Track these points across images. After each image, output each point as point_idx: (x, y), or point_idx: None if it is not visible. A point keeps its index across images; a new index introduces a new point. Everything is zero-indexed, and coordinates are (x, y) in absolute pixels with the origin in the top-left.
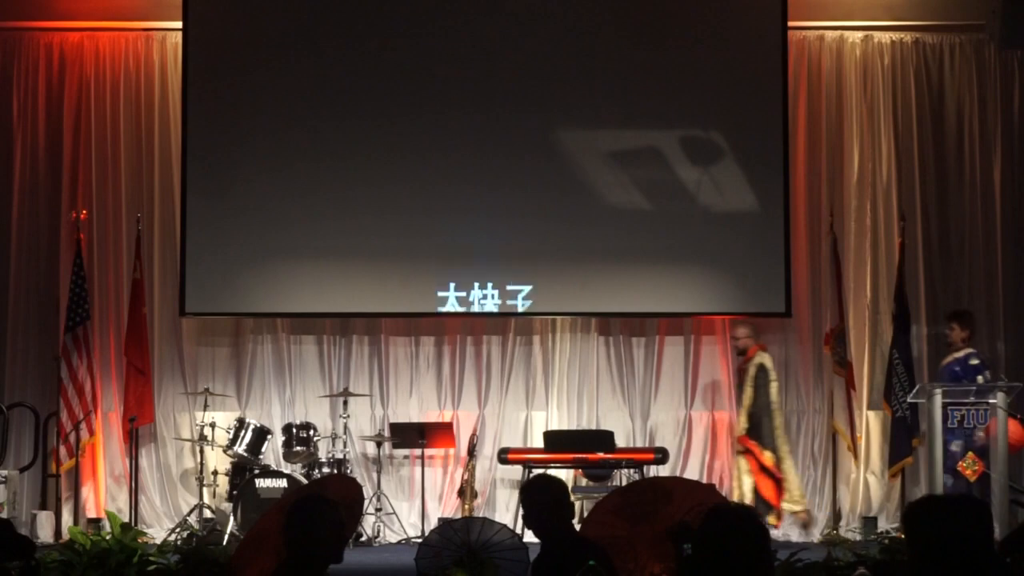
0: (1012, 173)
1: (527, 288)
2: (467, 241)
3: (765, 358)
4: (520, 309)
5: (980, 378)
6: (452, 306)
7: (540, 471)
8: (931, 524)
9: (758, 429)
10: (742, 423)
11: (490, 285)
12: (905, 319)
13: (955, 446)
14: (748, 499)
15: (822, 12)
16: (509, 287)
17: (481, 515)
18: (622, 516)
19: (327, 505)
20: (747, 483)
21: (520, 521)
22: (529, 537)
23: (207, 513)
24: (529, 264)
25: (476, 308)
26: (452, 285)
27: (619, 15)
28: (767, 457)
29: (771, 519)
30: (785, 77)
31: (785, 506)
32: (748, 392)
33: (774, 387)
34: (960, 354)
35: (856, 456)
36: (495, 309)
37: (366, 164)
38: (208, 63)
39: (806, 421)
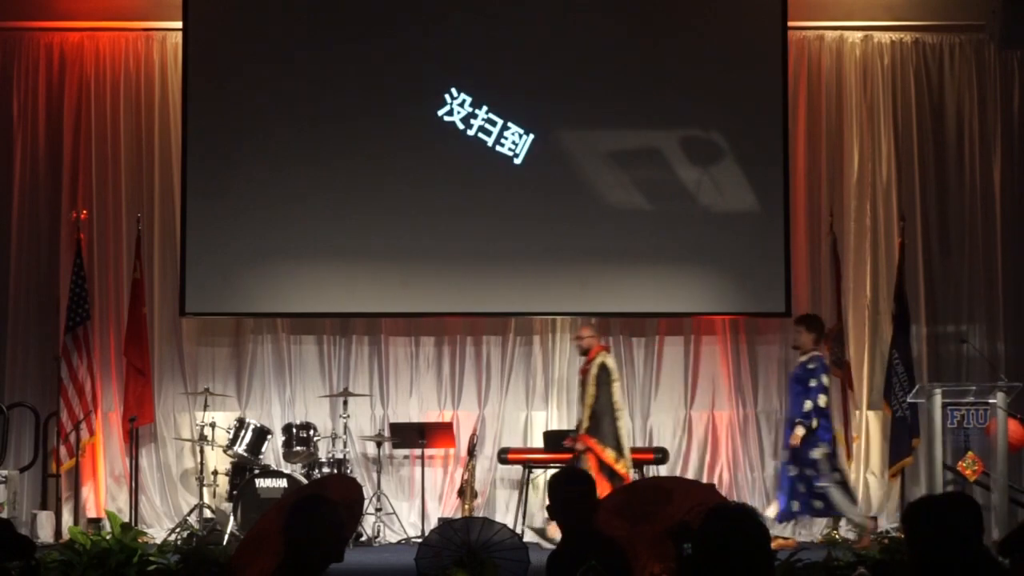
0: (1012, 173)
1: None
2: (466, 239)
3: (608, 358)
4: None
5: (813, 381)
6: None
7: (540, 470)
8: (931, 523)
9: (599, 428)
10: (584, 422)
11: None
12: (905, 319)
13: (817, 452)
14: None
15: (822, 12)
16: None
17: (481, 515)
18: (622, 516)
19: (327, 505)
20: None
21: (520, 521)
22: (528, 537)
23: (207, 513)
24: (529, 264)
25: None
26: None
27: (619, 15)
28: (608, 454)
29: None
30: (785, 77)
31: None
32: (591, 391)
33: (616, 387)
34: (805, 358)
35: (849, 457)
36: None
37: (366, 164)
38: (208, 63)
39: None
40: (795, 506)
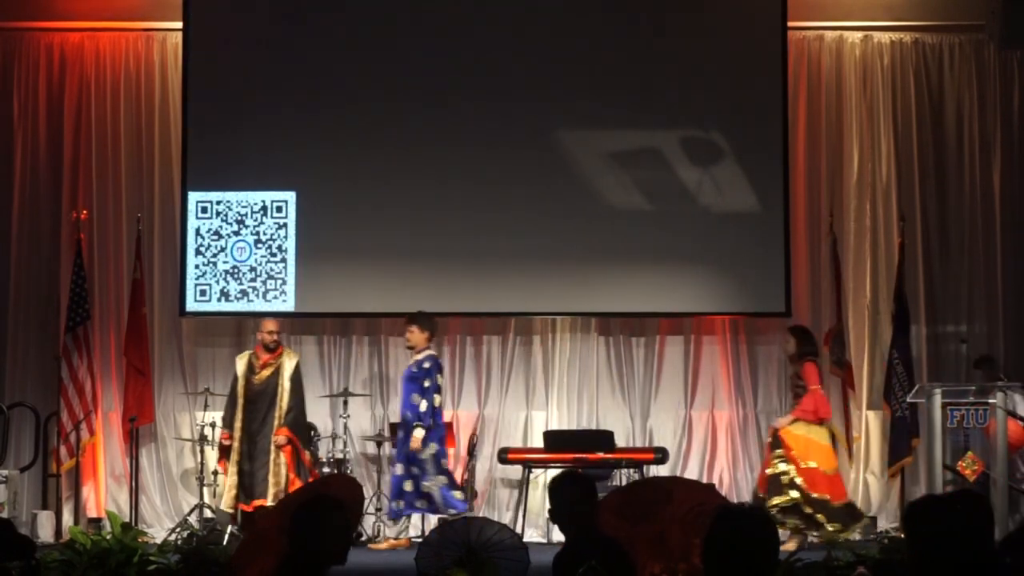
0: (1012, 173)
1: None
2: (467, 239)
3: (296, 356)
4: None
5: (428, 381)
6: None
7: (540, 470)
8: (932, 523)
9: (299, 424)
10: (287, 417)
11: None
12: (904, 319)
13: (426, 452)
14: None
15: (822, 12)
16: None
17: (481, 515)
18: (622, 516)
19: (335, 505)
20: (284, 478)
21: (520, 521)
22: (528, 537)
23: (207, 513)
24: (529, 264)
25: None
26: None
27: (619, 15)
28: (308, 455)
29: None
30: (785, 77)
31: None
32: (288, 387)
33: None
34: (420, 356)
35: (850, 456)
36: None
37: (366, 164)
38: (208, 63)
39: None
40: (399, 505)
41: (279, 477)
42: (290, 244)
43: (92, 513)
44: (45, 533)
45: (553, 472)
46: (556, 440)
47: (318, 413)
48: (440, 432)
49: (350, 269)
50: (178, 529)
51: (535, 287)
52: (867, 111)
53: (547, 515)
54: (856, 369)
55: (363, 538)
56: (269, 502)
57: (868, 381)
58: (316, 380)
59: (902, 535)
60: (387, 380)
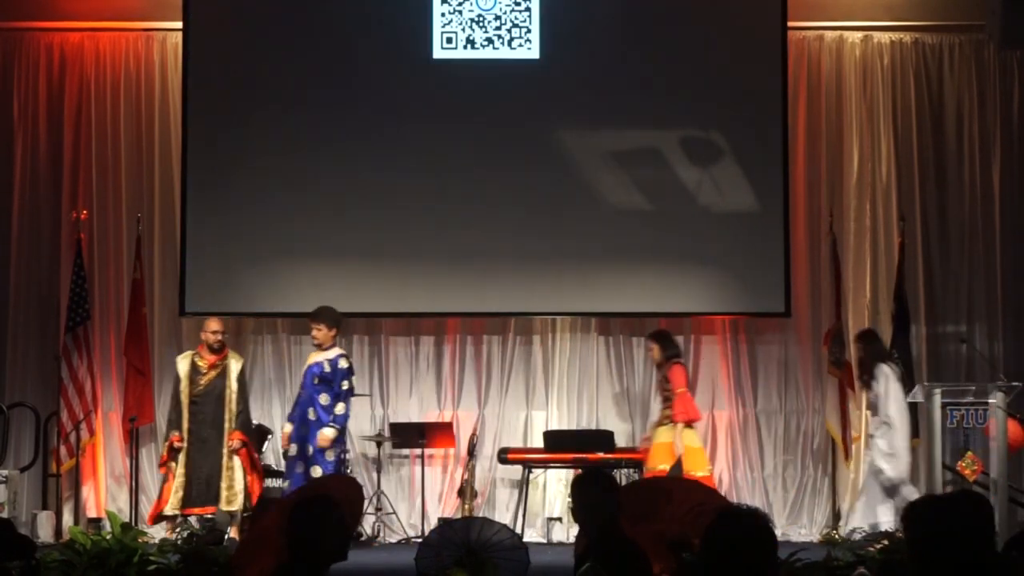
0: (1011, 173)
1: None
2: (467, 239)
3: (242, 360)
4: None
5: (346, 384)
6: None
7: (540, 470)
8: (932, 523)
9: (249, 426)
10: (237, 418)
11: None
12: (905, 319)
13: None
14: (241, 498)
15: (822, 12)
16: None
17: (481, 515)
18: (622, 516)
19: (330, 503)
20: (240, 480)
21: (520, 521)
22: (528, 537)
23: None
24: (529, 264)
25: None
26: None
27: (619, 15)
28: (257, 454)
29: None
30: (785, 77)
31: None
32: (236, 389)
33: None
34: (331, 355)
35: (847, 457)
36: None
37: (366, 164)
38: (208, 63)
39: (805, 421)
40: None
41: (233, 482)
42: None
43: (92, 513)
44: (45, 533)
45: (553, 472)
46: (556, 440)
47: None
48: (344, 436)
49: (350, 269)
50: (178, 529)
51: (535, 287)
52: (867, 111)
53: (547, 516)
54: (856, 369)
55: (363, 538)
56: (222, 507)
57: None
58: None
59: (902, 535)
60: (387, 380)
